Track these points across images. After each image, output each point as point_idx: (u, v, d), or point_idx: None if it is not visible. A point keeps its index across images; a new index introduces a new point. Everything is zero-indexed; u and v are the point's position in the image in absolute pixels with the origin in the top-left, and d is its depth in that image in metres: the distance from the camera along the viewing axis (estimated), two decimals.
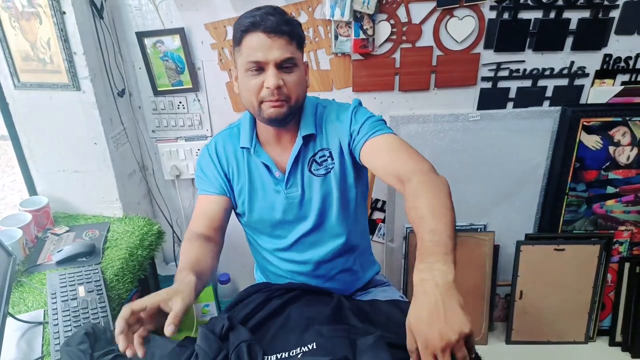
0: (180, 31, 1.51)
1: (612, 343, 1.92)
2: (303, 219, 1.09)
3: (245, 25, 0.94)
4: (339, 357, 0.74)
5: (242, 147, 1.08)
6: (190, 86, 1.59)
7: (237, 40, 0.96)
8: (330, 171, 1.06)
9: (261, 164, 1.07)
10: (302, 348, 0.79)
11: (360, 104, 1.09)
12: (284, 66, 0.95)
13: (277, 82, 0.94)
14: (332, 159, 1.06)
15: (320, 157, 1.06)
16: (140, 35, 1.51)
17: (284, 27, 0.93)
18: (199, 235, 1.04)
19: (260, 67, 0.95)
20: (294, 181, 1.06)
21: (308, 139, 1.05)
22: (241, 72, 0.98)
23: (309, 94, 1.07)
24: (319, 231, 1.09)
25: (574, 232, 1.83)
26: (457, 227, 1.83)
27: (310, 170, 1.06)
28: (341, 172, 1.06)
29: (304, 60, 1.03)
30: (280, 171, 1.06)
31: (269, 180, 1.07)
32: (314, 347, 0.79)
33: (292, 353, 0.79)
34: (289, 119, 1.00)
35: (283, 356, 0.79)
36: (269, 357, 0.79)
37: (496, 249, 1.86)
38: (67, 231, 1.46)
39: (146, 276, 1.47)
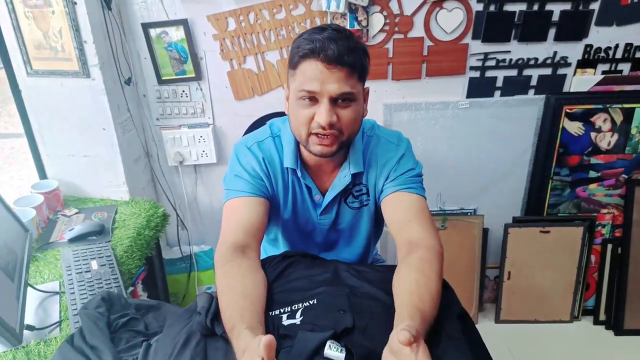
0: (184, 22, 1.58)
1: (597, 322, 2.01)
2: (330, 245, 1.13)
3: (304, 51, 0.87)
4: (338, 310, 0.80)
5: (287, 167, 1.03)
6: (193, 75, 1.67)
7: (293, 64, 0.90)
8: (364, 206, 1.07)
9: (304, 185, 1.05)
10: (304, 303, 0.85)
11: (409, 147, 1.05)
12: (340, 100, 0.89)
13: (329, 119, 0.88)
14: (368, 196, 1.06)
15: (357, 191, 1.05)
16: (146, 26, 1.59)
17: (347, 57, 0.85)
18: (240, 251, 0.89)
19: (313, 98, 0.89)
20: (330, 209, 1.07)
21: (353, 174, 1.03)
22: (293, 97, 0.92)
23: None
24: (339, 252, 1.15)
25: (559, 215, 1.92)
26: (448, 211, 1.91)
27: (345, 202, 1.06)
28: (375, 208, 1.07)
29: (366, 87, 0.97)
30: (321, 194, 1.05)
31: (308, 200, 1.07)
32: (315, 302, 0.85)
33: (295, 307, 0.85)
34: (336, 154, 0.96)
35: (285, 310, 0.85)
36: (272, 312, 0.84)
37: (485, 232, 1.94)
38: (77, 213, 1.53)
39: (152, 255, 1.55)
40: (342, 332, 0.72)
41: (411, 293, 0.77)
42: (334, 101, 0.89)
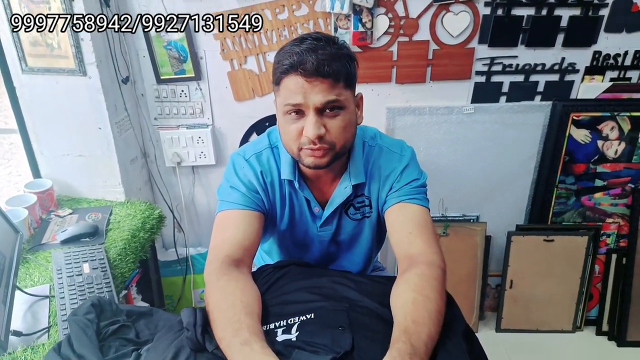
0: None
1: (599, 332, 1.98)
2: (329, 256, 1.10)
3: (283, 67, 0.84)
4: (337, 326, 0.76)
5: (285, 179, 1.00)
6: (193, 75, 1.63)
7: (276, 80, 0.88)
8: (366, 217, 1.04)
9: (302, 197, 1.01)
10: (301, 317, 0.82)
11: (413, 157, 1.02)
12: (326, 110, 0.86)
13: (317, 132, 0.84)
14: (370, 208, 1.03)
15: (358, 203, 1.03)
16: None
17: (327, 67, 0.82)
18: (235, 265, 0.87)
19: (299, 111, 0.86)
20: (330, 221, 1.04)
21: (354, 186, 1.00)
22: (280, 113, 0.90)
23: None
24: (340, 263, 1.12)
25: (563, 223, 1.88)
26: (450, 218, 1.88)
27: (346, 213, 1.04)
28: (377, 220, 1.05)
29: (357, 94, 0.94)
30: (320, 206, 1.02)
31: (307, 212, 1.04)
32: (312, 317, 0.81)
33: (291, 321, 0.82)
34: (331, 165, 0.92)
35: (280, 324, 0.81)
36: (267, 325, 0.80)
37: (488, 239, 1.91)
38: (71, 213, 1.50)
39: (147, 258, 1.52)
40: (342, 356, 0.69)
41: (405, 315, 0.73)
42: (321, 111, 0.86)
